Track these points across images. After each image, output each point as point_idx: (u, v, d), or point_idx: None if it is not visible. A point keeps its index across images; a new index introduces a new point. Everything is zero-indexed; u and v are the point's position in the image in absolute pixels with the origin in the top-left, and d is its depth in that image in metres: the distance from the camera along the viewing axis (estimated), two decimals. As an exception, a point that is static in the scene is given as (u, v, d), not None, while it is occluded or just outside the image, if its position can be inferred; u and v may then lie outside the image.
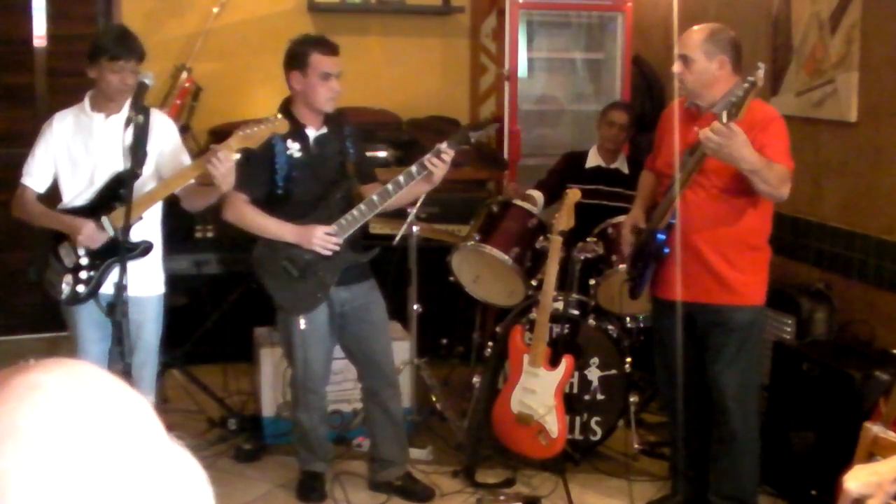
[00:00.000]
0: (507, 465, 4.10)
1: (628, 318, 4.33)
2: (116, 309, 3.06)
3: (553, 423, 3.86)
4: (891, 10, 3.84)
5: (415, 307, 4.40)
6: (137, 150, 3.14)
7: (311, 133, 3.65)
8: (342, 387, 4.28)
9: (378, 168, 4.37)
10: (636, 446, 4.25)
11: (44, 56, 5.40)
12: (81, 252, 3.33)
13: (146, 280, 3.40)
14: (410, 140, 5.25)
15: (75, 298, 3.35)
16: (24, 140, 3.47)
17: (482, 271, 4.40)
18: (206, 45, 5.42)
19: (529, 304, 4.14)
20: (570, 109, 5.88)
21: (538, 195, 4.66)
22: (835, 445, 3.44)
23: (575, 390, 4.09)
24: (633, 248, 3.58)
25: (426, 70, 5.99)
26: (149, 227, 3.40)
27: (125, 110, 3.34)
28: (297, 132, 3.61)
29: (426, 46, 5.99)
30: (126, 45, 3.30)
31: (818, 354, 3.74)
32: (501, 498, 3.88)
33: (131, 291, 3.13)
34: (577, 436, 4.13)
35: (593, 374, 4.12)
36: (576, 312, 4.13)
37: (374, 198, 3.56)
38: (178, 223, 4.35)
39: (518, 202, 4.38)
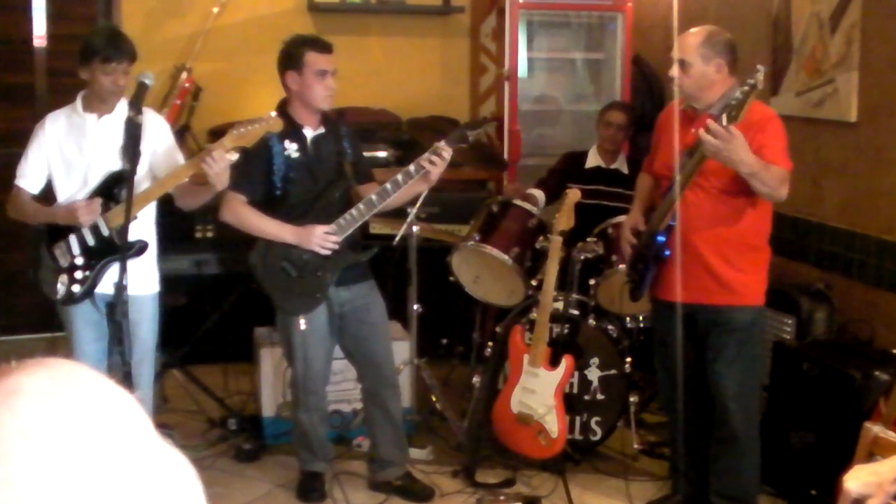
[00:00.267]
0: (507, 465, 4.10)
1: (628, 319, 4.33)
2: (116, 309, 3.06)
3: (553, 423, 3.86)
4: (891, 10, 3.84)
5: (415, 307, 4.39)
6: (131, 150, 3.14)
7: (309, 133, 3.65)
8: (342, 387, 4.28)
9: (378, 168, 4.38)
10: (636, 446, 4.25)
11: (44, 56, 5.40)
12: (77, 252, 3.33)
13: (142, 279, 3.40)
14: (410, 140, 5.24)
15: (70, 298, 3.35)
16: (24, 140, 3.46)
17: (482, 271, 4.39)
18: (206, 45, 5.42)
19: (529, 304, 4.14)
20: (569, 109, 5.87)
21: (539, 194, 4.66)
22: (835, 445, 3.44)
23: (575, 390, 4.09)
24: (632, 250, 3.58)
25: (426, 70, 5.99)
26: (143, 226, 3.40)
27: (118, 111, 3.35)
28: (295, 133, 3.61)
29: (426, 46, 5.99)
30: (118, 47, 3.29)
31: (818, 354, 3.74)
32: (501, 498, 3.88)
33: (128, 290, 3.13)
34: (577, 436, 4.13)
35: (593, 374, 4.12)
36: (576, 312, 4.13)
37: (373, 197, 3.56)
38: (178, 223, 4.36)
39: (518, 202, 4.38)
